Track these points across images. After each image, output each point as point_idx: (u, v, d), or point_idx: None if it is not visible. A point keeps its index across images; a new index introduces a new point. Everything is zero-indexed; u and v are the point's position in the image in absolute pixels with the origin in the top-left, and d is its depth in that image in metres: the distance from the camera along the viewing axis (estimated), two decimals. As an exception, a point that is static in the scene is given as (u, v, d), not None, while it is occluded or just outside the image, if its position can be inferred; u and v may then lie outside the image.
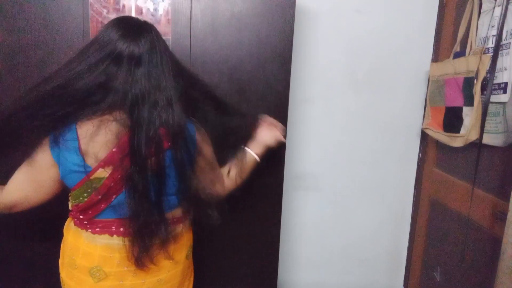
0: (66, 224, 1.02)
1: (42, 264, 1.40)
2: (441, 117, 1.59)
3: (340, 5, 1.74)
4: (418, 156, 1.91)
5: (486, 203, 1.36)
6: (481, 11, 1.40)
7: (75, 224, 0.96)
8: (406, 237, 1.99)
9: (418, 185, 1.91)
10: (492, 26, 1.32)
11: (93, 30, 1.30)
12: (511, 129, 1.26)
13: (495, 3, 1.32)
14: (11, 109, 0.84)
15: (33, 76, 1.31)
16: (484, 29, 1.37)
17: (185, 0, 1.32)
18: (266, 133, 1.17)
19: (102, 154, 0.86)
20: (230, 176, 1.11)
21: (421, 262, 1.86)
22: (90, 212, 0.91)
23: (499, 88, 1.28)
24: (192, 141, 0.95)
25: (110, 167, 0.86)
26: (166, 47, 0.92)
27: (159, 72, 0.87)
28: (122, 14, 1.31)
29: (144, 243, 0.90)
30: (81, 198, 0.90)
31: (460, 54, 1.50)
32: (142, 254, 0.90)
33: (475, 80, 1.33)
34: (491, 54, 1.30)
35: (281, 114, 1.42)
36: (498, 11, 1.30)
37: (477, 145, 1.34)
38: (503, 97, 1.26)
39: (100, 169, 0.87)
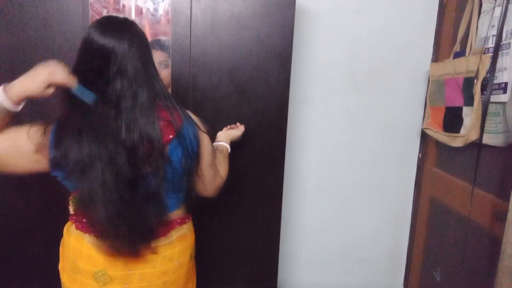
0: (66, 228, 0.99)
1: (42, 264, 1.40)
2: (441, 117, 1.59)
3: (340, 5, 1.74)
4: (418, 156, 1.91)
5: (486, 203, 1.36)
6: (481, 11, 1.40)
7: (76, 228, 0.94)
8: (406, 237, 1.99)
9: (418, 185, 1.91)
10: (492, 26, 1.32)
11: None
12: (511, 129, 1.26)
13: (495, 3, 1.32)
14: None
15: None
16: (484, 29, 1.37)
17: (185, 0, 1.32)
18: (233, 130, 1.35)
19: None
20: (219, 173, 1.12)
21: (421, 262, 1.86)
22: None
23: (499, 88, 1.28)
24: (195, 137, 0.94)
25: None
26: (146, 44, 0.91)
27: (141, 68, 0.86)
28: (122, 14, 1.31)
29: (135, 242, 0.88)
30: (90, 206, 0.87)
31: (460, 54, 1.50)
32: (128, 252, 0.89)
33: (475, 80, 1.33)
34: (491, 54, 1.30)
35: (281, 114, 1.42)
36: (498, 11, 1.30)
37: (477, 145, 1.34)
38: (503, 97, 1.26)
39: None
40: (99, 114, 0.83)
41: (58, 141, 0.81)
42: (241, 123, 1.39)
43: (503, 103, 1.27)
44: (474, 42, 1.42)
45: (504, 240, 1.06)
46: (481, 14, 1.40)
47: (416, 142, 1.90)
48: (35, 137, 0.82)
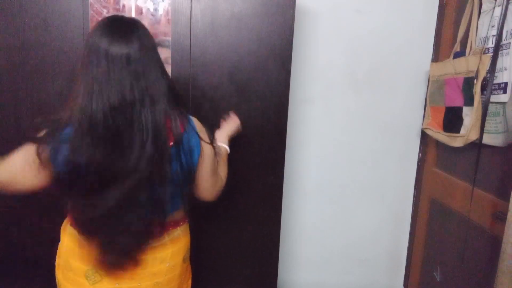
0: (63, 225, 1.01)
1: (42, 264, 1.40)
2: (441, 117, 1.59)
3: (340, 5, 1.74)
4: (418, 156, 1.91)
5: (486, 203, 1.36)
6: (481, 11, 1.40)
7: (71, 225, 0.95)
8: (406, 237, 1.99)
9: (418, 185, 1.91)
10: (492, 26, 1.32)
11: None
12: (511, 129, 1.26)
13: (495, 3, 1.32)
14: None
15: (33, 76, 1.31)
16: (484, 29, 1.37)
17: (185, 0, 1.32)
18: (227, 123, 1.29)
19: None
20: (219, 176, 1.10)
21: (421, 262, 1.86)
22: None
23: (499, 88, 1.28)
24: (196, 142, 0.93)
25: None
26: (154, 45, 0.90)
27: (149, 70, 0.85)
28: (122, 14, 1.31)
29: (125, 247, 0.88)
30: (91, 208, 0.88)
31: (460, 54, 1.50)
32: (118, 258, 0.89)
33: (475, 80, 1.33)
34: (491, 54, 1.30)
35: (281, 114, 1.42)
36: (498, 11, 1.30)
37: (477, 145, 1.34)
38: (503, 97, 1.26)
39: None
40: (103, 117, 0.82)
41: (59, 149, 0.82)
42: (241, 123, 1.39)
43: (503, 103, 1.27)
44: (474, 42, 1.42)
45: (504, 240, 1.06)
46: (481, 14, 1.40)
47: (416, 142, 1.90)
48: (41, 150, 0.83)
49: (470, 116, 1.37)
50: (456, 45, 1.54)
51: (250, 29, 1.35)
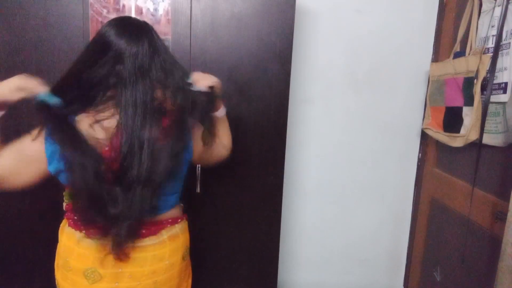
0: (61, 225, 1.00)
1: (42, 264, 1.40)
2: (441, 117, 1.59)
3: (340, 5, 1.74)
4: (418, 156, 1.91)
5: (486, 203, 1.36)
6: (481, 11, 1.40)
7: (69, 225, 0.95)
8: (406, 237, 1.99)
9: (418, 185, 1.91)
10: (492, 26, 1.32)
11: (93, 30, 1.30)
12: (511, 129, 1.26)
13: (495, 3, 1.32)
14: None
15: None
16: (484, 29, 1.37)
17: (185, 0, 1.32)
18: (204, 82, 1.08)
19: None
20: (223, 144, 1.11)
21: (421, 262, 1.86)
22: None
23: (499, 88, 1.28)
24: (188, 138, 0.95)
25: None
26: (165, 47, 0.92)
27: (160, 72, 0.87)
28: (122, 14, 1.31)
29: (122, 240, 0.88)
30: (81, 202, 0.88)
31: (460, 54, 1.50)
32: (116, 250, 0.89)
33: (475, 80, 1.33)
34: (491, 54, 1.30)
35: (281, 114, 1.42)
36: (498, 11, 1.30)
37: (477, 145, 1.34)
38: (503, 97, 1.26)
39: None
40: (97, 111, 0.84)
41: (53, 134, 0.82)
42: (241, 123, 1.39)
43: (503, 103, 1.27)
44: (474, 42, 1.42)
45: (504, 240, 1.06)
46: (481, 14, 1.40)
47: (416, 142, 1.90)
48: (32, 145, 0.83)
49: (470, 116, 1.37)
50: (456, 45, 1.54)
51: (250, 29, 1.35)
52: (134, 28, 0.88)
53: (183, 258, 1.04)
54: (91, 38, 1.29)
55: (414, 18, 1.78)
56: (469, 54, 1.42)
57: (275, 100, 1.40)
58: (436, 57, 1.77)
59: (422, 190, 1.87)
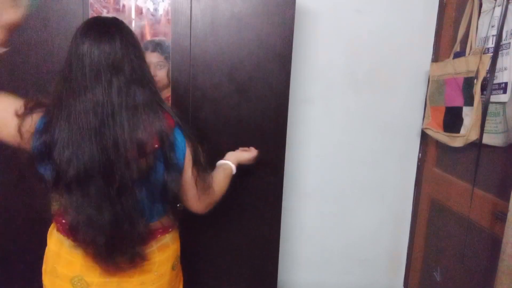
0: (49, 230, 0.98)
1: (42, 264, 1.40)
2: (441, 117, 1.59)
3: (340, 5, 1.74)
4: (418, 156, 1.91)
5: (486, 203, 1.36)
6: (481, 11, 1.40)
7: (57, 229, 0.93)
8: (406, 237, 1.99)
9: (418, 185, 1.91)
10: (492, 26, 1.32)
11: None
12: (511, 129, 1.26)
13: (495, 3, 1.32)
14: None
15: (33, 76, 1.31)
16: (484, 29, 1.37)
17: (185, 0, 1.32)
18: (243, 151, 1.30)
19: None
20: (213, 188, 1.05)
21: (421, 262, 1.86)
22: None
23: (499, 88, 1.28)
24: (181, 147, 0.90)
25: None
26: (138, 44, 0.88)
27: (136, 69, 0.84)
28: (122, 14, 1.31)
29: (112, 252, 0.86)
30: (59, 202, 0.88)
31: (460, 54, 1.50)
32: (107, 262, 0.87)
33: (475, 80, 1.33)
34: (491, 54, 1.30)
35: (281, 114, 1.42)
36: (498, 11, 1.30)
37: (477, 145, 1.34)
38: (503, 97, 1.26)
39: None
40: (89, 113, 0.80)
41: (43, 134, 0.80)
42: (241, 123, 1.39)
43: (503, 103, 1.27)
44: (474, 42, 1.42)
45: (504, 240, 1.06)
46: (481, 14, 1.40)
47: (416, 142, 1.90)
48: (22, 119, 0.81)
49: (470, 116, 1.37)
50: (456, 45, 1.54)
51: (250, 29, 1.35)
52: (104, 29, 0.84)
53: (173, 268, 1.02)
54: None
55: (414, 18, 1.78)
56: (469, 54, 1.42)
57: (275, 100, 1.40)
58: (436, 57, 1.77)
59: (422, 190, 1.87)
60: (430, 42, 1.80)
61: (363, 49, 1.78)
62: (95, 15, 1.30)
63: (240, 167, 1.26)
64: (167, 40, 1.34)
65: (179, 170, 0.91)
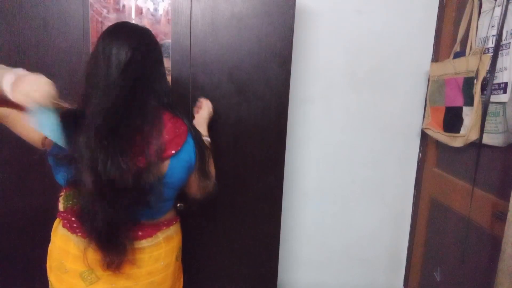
0: (54, 226, 0.99)
1: (42, 263, 1.40)
2: (441, 117, 1.59)
3: (340, 5, 1.74)
4: (418, 156, 1.91)
5: (486, 203, 1.36)
6: (481, 11, 1.40)
7: (63, 226, 0.94)
8: (406, 237, 1.99)
9: (418, 185, 1.91)
10: (492, 26, 1.32)
11: (93, 30, 1.30)
12: (511, 129, 1.26)
13: (495, 3, 1.32)
14: None
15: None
16: (484, 29, 1.37)
17: (185, 0, 1.32)
18: (202, 111, 1.26)
19: None
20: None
21: (421, 262, 1.86)
22: None
23: (499, 88, 1.28)
24: (193, 151, 0.95)
25: None
26: (160, 52, 0.94)
27: (154, 78, 0.89)
28: (122, 14, 1.31)
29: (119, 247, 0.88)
30: (75, 201, 0.89)
31: (460, 54, 1.50)
32: (114, 258, 0.89)
33: (475, 80, 1.33)
34: (491, 54, 1.30)
35: (281, 114, 1.42)
36: (498, 11, 1.30)
37: (477, 145, 1.34)
38: (503, 97, 1.26)
39: None
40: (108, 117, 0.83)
41: (70, 135, 0.82)
42: (241, 123, 1.39)
43: (503, 103, 1.27)
44: (474, 42, 1.42)
45: (504, 240, 1.07)
46: (481, 14, 1.40)
47: (416, 142, 1.90)
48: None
49: (470, 116, 1.37)
50: (456, 45, 1.54)
51: (250, 29, 1.35)
52: (131, 34, 0.88)
53: (177, 259, 1.06)
54: (91, 38, 1.30)
55: (414, 18, 1.78)
56: (469, 54, 1.42)
57: (275, 100, 1.40)
58: (436, 57, 1.77)
59: (422, 190, 1.87)
60: (430, 42, 1.80)
61: (363, 49, 1.78)
62: (95, 15, 1.30)
63: (241, 167, 1.26)
64: (167, 40, 1.34)
65: (191, 172, 0.97)
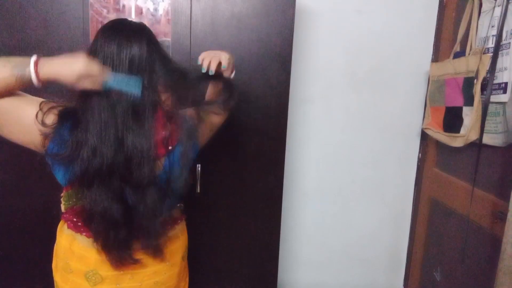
0: (59, 227, 0.99)
1: (42, 263, 1.40)
2: (441, 117, 1.59)
3: (340, 5, 1.74)
4: (418, 156, 1.91)
5: (486, 203, 1.36)
6: (481, 11, 1.40)
7: (68, 227, 0.94)
8: (406, 237, 1.99)
9: (418, 185, 1.91)
10: (492, 26, 1.32)
11: (93, 30, 1.30)
12: (511, 129, 1.26)
13: (495, 3, 1.32)
14: None
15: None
16: (484, 29, 1.37)
17: (185, 0, 1.32)
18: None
19: None
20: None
21: (421, 262, 1.86)
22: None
23: (499, 88, 1.28)
24: (194, 138, 0.95)
25: None
26: (162, 46, 0.92)
27: (158, 75, 0.87)
28: (122, 14, 1.31)
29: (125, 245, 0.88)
30: (75, 200, 0.89)
31: (460, 54, 1.50)
32: (120, 256, 0.89)
33: (475, 80, 1.33)
34: (491, 54, 1.30)
35: (281, 114, 1.42)
36: (498, 11, 1.30)
37: (477, 145, 1.34)
38: (503, 97, 1.26)
39: None
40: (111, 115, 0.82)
41: (70, 132, 0.81)
42: (241, 123, 1.39)
43: (503, 103, 1.27)
44: (474, 42, 1.42)
45: (504, 240, 1.07)
46: (481, 14, 1.40)
47: (416, 142, 1.90)
48: (41, 119, 0.80)
49: (470, 116, 1.37)
50: (456, 45, 1.54)
51: (250, 29, 1.35)
52: (131, 32, 0.87)
53: (183, 258, 1.05)
54: (91, 38, 1.30)
55: (414, 18, 1.78)
56: (469, 54, 1.42)
57: (275, 100, 1.40)
58: (436, 57, 1.77)
59: (422, 190, 1.87)
60: (430, 42, 1.80)
61: (363, 49, 1.78)
62: (95, 15, 1.30)
63: (240, 168, 1.25)
64: (167, 40, 1.34)
65: (196, 151, 0.96)
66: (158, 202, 0.88)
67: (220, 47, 1.35)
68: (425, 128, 1.72)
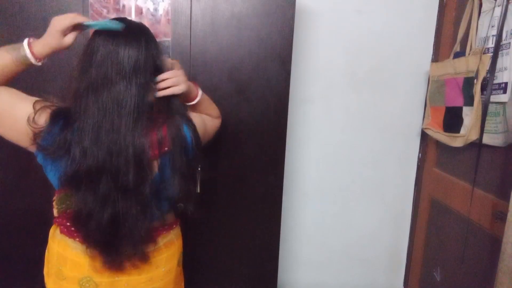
0: (51, 232, 0.98)
1: (42, 264, 1.40)
2: (441, 117, 1.59)
3: (340, 5, 1.74)
4: (418, 156, 1.91)
5: (486, 203, 1.36)
6: (481, 11, 1.40)
7: (61, 232, 0.92)
8: (406, 237, 1.99)
9: (418, 185, 1.91)
10: (492, 26, 1.32)
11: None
12: (511, 129, 1.26)
13: (495, 3, 1.32)
14: None
15: (32, 76, 1.31)
16: (484, 29, 1.37)
17: (185, 0, 1.32)
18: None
19: None
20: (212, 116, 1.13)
21: (421, 262, 1.86)
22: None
23: (499, 88, 1.28)
24: (187, 143, 0.93)
25: None
26: (159, 49, 0.91)
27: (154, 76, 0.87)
28: (122, 14, 1.31)
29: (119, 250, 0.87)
30: (68, 203, 0.88)
31: (460, 54, 1.50)
32: (113, 261, 0.88)
33: (475, 80, 1.33)
34: (491, 54, 1.30)
35: (281, 114, 1.42)
36: (498, 11, 1.30)
37: (477, 145, 1.34)
38: (503, 97, 1.26)
39: None
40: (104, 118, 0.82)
41: (61, 131, 0.81)
42: (241, 123, 1.39)
43: (503, 103, 1.27)
44: (474, 42, 1.42)
45: (504, 240, 1.06)
46: (481, 14, 1.40)
47: (416, 142, 1.90)
48: (34, 118, 0.81)
49: (470, 116, 1.37)
50: (456, 45, 1.54)
51: (250, 29, 1.35)
52: (129, 32, 0.86)
53: (178, 264, 1.04)
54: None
55: (414, 18, 1.78)
56: (469, 54, 1.42)
57: (275, 100, 1.40)
58: (436, 57, 1.77)
59: (422, 190, 1.87)
60: (430, 42, 1.80)
61: (363, 49, 1.78)
62: (95, 15, 1.30)
63: (241, 167, 1.26)
64: (167, 40, 1.34)
65: (191, 156, 0.94)
66: (148, 207, 0.87)
67: (220, 47, 1.36)
68: (425, 128, 1.71)
